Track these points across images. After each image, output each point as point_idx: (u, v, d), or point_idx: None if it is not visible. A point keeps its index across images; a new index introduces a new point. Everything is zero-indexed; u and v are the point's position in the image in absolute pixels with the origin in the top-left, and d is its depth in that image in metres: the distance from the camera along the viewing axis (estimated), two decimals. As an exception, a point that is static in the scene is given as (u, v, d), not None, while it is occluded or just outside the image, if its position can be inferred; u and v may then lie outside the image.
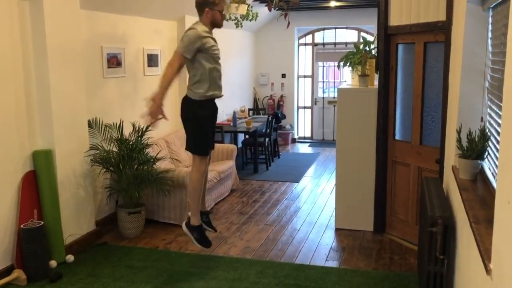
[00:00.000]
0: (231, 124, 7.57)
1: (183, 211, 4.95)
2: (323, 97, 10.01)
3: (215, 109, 3.79)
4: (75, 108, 4.29)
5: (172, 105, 6.41)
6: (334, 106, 9.24)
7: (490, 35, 2.77)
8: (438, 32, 3.91)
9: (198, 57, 3.52)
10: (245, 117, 8.48)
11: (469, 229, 2.09)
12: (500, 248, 1.50)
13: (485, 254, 1.70)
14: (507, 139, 1.47)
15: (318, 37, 9.95)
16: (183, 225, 3.85)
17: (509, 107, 1.45)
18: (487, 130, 2.64)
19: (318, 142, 10.03)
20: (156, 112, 3.48)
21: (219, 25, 3.64)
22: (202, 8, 3.54)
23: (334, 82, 10.02)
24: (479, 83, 2.91)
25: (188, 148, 3.81)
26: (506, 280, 1.40)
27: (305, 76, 10.10)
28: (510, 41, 1.50)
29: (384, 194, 4.68)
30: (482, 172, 2.69)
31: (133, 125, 4.78)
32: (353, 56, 4.80)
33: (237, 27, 6.10)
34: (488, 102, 2.73)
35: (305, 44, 10.01)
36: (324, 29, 9.80)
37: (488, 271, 1.64)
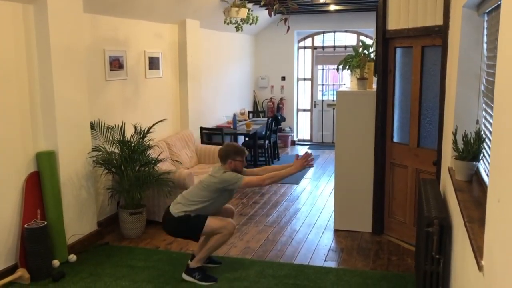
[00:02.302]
0: (231, 127, 7.63)
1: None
2: (322, 100, 10.07)
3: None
4: (78, 110, 4.35)
5: (173, 107, 6.48)
6: (333, 109, 9.30)
7: (485, 39, 2.83)
8: (435, 36, 3.98)
9: (225, 193, 3.81)
10: (245, 120, 8.54)
11: (464, 229, 2.15)
12: (491, 245, 1.56)
13: (478, 252, 1.76)
14: (498, 140, 1.53)
15: (318, 40, 10.02)
16: (183, 275, 3.85)
17: (500, 109, 1.51)
18: (482, 132, 2.70)
19: (318, 144, 10.08)
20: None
21: (239, 173, 3.87)
22: (226, 159, 3.82)
23: (334, 85, 10.09)
24: (474, 87, 2.98)
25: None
26: (496, 275, 1.46)
27: (304, 79, 10.17)
28: (501, 45, 1.56)
29: (382, 196, 4.74)
30: (477, 173, 2.75)
31: (135, 127, 4.85)
32: (352, 60, 4.86)
33: (237, 30, 6.17)
34: (484, 105, 2.79)
35: (305, 47, 10.08)
36: (323, 32, 9.87)
37: (480, 267, 1.70)
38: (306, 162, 3.80)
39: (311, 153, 3.92)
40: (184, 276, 3.83)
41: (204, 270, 3.87)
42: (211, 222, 3.73)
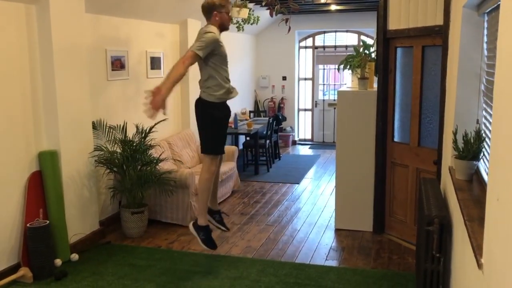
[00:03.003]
0: (232, 126, 7.63)
1: (186, 211, 5.04)
2: (323, 100, 10.09)
3: (229, 110, 3.92)
4: (80, 110, 4.37)
5: (174, 106, 6.49)
6: (334, 108, 9.31)
7: (485, 39, 2.85)
8: (436, 36, 3.99)
9: (213, 60, 3.66)
10: (246, 119, 8.56)
11: (464, 227, 2.17)
12: (491, 243, 1.58)
13: (477, 250, 1.78)
14: (497, 139, 1.54)
15: (319, 40, 10.04)
16: (190, 225, 3.91)
17: (500, 109, 1.53)
18: (482, 132, 2.71)
19: (319, 144, 10.10)
20: (158, 104, 3.37)
21: (226, 27, 3.78)
22: (210, 12, 3.68)
23: (334, 84, 10.11)
24: (475, 86, 2.99)
25: (202, 149, 3.91)
26: (496, 273, 1.48)
27: (305, 79, 10.19)
28: (500, 45, 1.58)
29: (383, 195, 4.75)
30: (477, 172, 2.77)
31: (137, 127, 4.87)
32: (353, 59, 4.88)
33: (238, 30, 6.19)
34: (484, 105, 2.80)
35: (306, 47, 10.10)
36: (324, 32, 9.89)
37: (479, 265, 1.72)
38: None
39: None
40: (190, 228, 3.88)
41: (210, 232, 3.88)
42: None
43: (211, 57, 3.65)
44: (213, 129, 3.80)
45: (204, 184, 3.82)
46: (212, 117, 3.76)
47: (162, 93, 3.39)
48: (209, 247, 3.85)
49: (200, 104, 3.80)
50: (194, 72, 6.74)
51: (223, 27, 3.76)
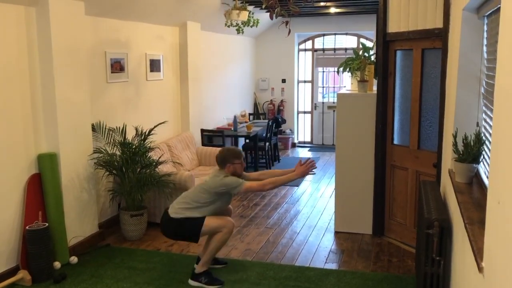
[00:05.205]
0: (232, 129, 7.64)
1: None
2: (323, 102, 10.09)
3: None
4: (79, 112, 4.37)
5: (174, 109, 6.49)
6: (334, 111, 9.31)
7: (485, 42, 2.85)
8: (436, 39, 3.99)
9: (224, 194, 3.79)
10: (246, 122, 8.55)
11: (464, 230, 2.16)
12: (491, 246, 1.57)
13: (478, 253, 1.77)
14: (498, 142, 1.54)
15: (318, 43, 10.04)
16: (190, 281, 3.81)
17: (500, 112, 1.52)
18: (482, 135, 2.71)
19: (318, 146, 10.10)
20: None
21: (239, 176, 3.85)
22: (224, 164, 3.79)
23: (334, 87, 10.10)
24: (475, 89, 2.99)
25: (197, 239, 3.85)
26: (496, 276, 1.47)
27: (305, 81, 10.19)
28: (500, 48, 1.57)
29: (383, 198, 4.75)
30: (477, 175, 2.76)
31: (136, 129, 4.86)
32: (352, 62, 4.88)
33: (238, 33, 6.19)
34: (484, 108, 2.80)
35: (305, 50, 10.10)
36: (324, 35, 9.89)
37: (480, 269, 1.71)
38: (308, 169, 3.79)
39: (313, 160, 3.90)
40: (191, 282, 3.81)
41: (211, 273, 3.86)
42: (209, 222, 3.72)
43: (226, 193, 3.81)
44: (199, 230, 3.74)
45: (222, 244, 3.82)
46: (197, 228, 3.72)
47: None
48: (218, 284, 3.78)
49: (185, 223, 3.74)
50: (194, 73, 6.77)
51: (235, 175, 3.83)
